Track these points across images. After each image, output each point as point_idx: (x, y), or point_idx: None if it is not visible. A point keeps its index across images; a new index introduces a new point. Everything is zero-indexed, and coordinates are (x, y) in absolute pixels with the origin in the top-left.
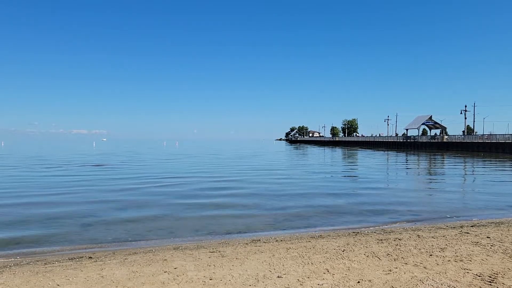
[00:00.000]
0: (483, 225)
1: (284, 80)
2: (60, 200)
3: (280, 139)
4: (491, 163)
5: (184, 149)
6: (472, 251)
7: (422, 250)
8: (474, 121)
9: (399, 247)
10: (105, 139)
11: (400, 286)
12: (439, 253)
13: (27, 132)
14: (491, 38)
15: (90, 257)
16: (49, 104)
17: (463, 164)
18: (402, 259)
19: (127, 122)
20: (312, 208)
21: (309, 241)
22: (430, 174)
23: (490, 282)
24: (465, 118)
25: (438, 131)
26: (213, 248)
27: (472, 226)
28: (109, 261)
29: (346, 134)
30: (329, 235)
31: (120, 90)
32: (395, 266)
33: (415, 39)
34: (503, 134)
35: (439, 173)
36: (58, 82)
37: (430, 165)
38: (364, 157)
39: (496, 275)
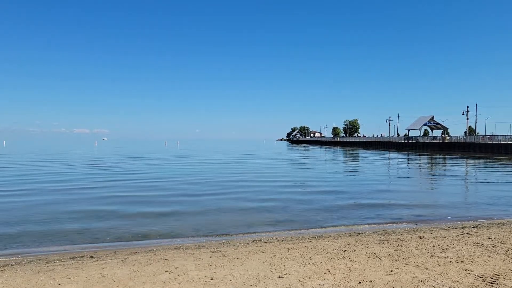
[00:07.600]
0: (485, 226)
1: (286, 81)
2: (61, 200)
3: (282, 139)
4: (492, 164)
5: (187, 150)
6: (474, 252)
7: (424, 251)
8: (476, 122)
9: (400, 247)
10: (106, 139)
11: (402, 287)
12: (441, 254)
13: (29, 131)
14: (493, 39)
15: (91, 257)
16: (51, 103)
17: (464, 165)
18: (404, 259)
19: (128, 121)
20: (313, 208)
21: (310, 241)
22: (431, 174)
23: (491, 283)
24: (467, 119)
25: (439, 132)
26: (214, 248)
27: (473, 227)
28: (110, 261)
29: (348, 135)
30: (330, 236)
31: (122, 89)
32: (397, 267)
33: (417, 40)
34: (505, 135)
35: (441, 173)
36: (60, 81)
37: (431, 166)
38: (365, 157)
39: (497, 276)
